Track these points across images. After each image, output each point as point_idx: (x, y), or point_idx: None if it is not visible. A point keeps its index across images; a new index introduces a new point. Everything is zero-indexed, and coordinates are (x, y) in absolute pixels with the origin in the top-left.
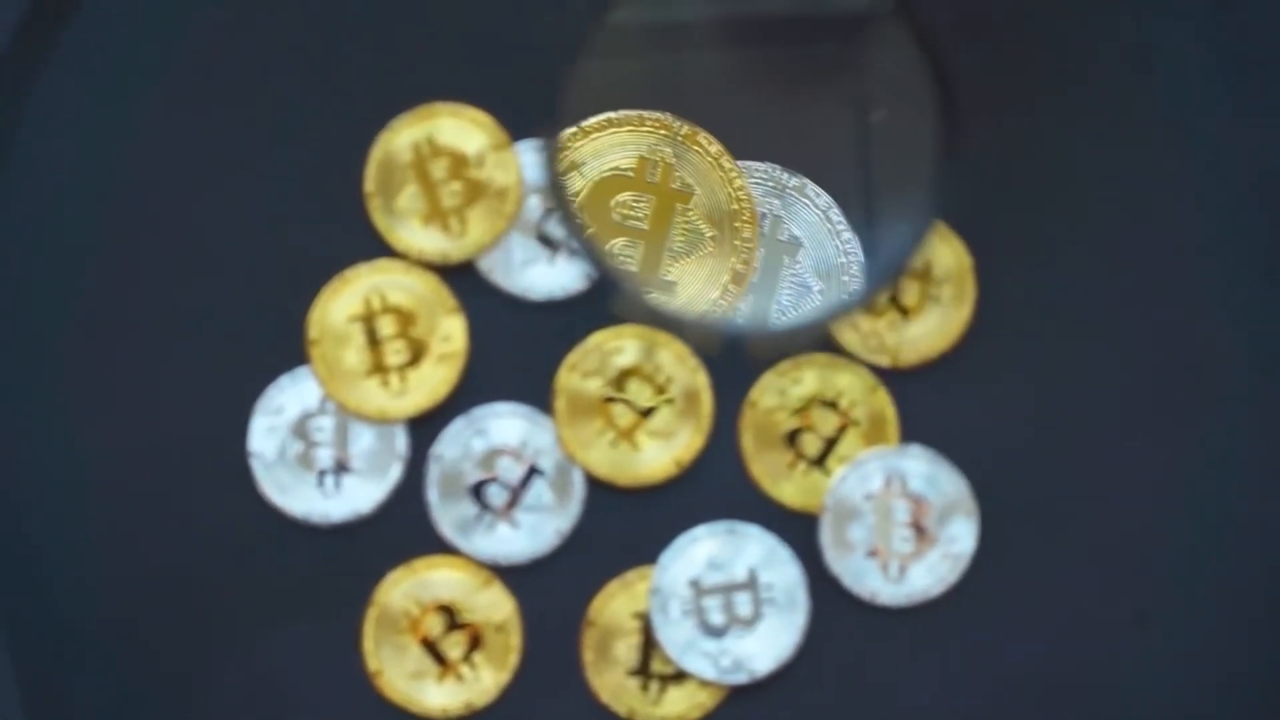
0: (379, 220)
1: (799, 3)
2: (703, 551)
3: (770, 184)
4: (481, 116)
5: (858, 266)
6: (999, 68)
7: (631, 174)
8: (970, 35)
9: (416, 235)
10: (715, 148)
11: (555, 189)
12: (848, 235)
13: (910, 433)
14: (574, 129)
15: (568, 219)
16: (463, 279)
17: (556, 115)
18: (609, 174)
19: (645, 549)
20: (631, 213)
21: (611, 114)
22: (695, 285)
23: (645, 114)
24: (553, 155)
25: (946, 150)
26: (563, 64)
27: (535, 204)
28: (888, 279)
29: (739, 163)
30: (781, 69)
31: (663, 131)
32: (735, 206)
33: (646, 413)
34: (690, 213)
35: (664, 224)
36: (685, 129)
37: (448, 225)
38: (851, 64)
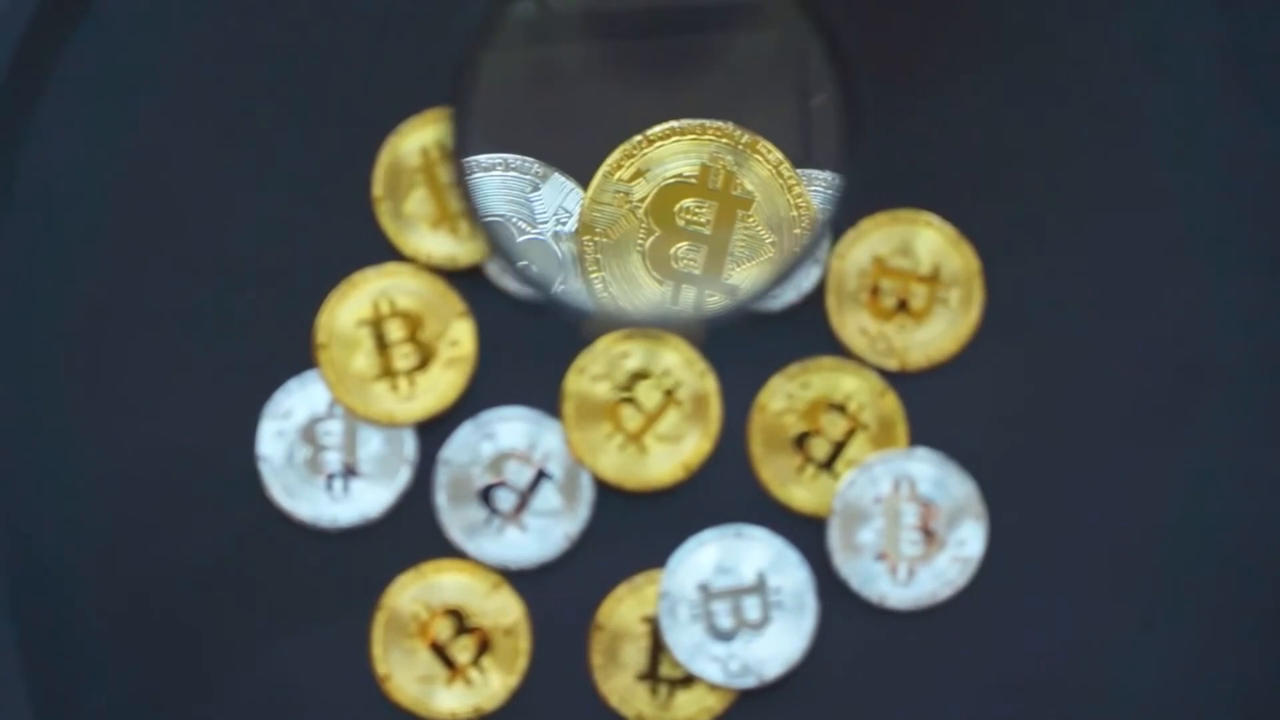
0: (387, 224)
1: None
2: (711, 555)
3: (829, 191)
4: None
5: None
6: (1001, 71)
7: (694, 181)
8: (970, 38)
9: (425, 239)
10: (774, 156)
11: (459, 184)
12: None
13: (918, 436)
14: (638, 138)
15: (471, 214)
16: (471, 283)
17: (460, 107)
18: (673, 180)
19: (653, 553)
20: (694, 218)
21: (674, 123)
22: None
23: (707, 122)
24: (459, 148)
25: (849, 136)
26: (467, 51)
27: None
28: (795, 262)
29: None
30: (720, 55)
31: (724, 140)
32: (794, 214)
33: (664, 397)
34: (751, 219)
35: (726, 229)
36: (746, 138)
37: (456, 229)
38: (792, 49)
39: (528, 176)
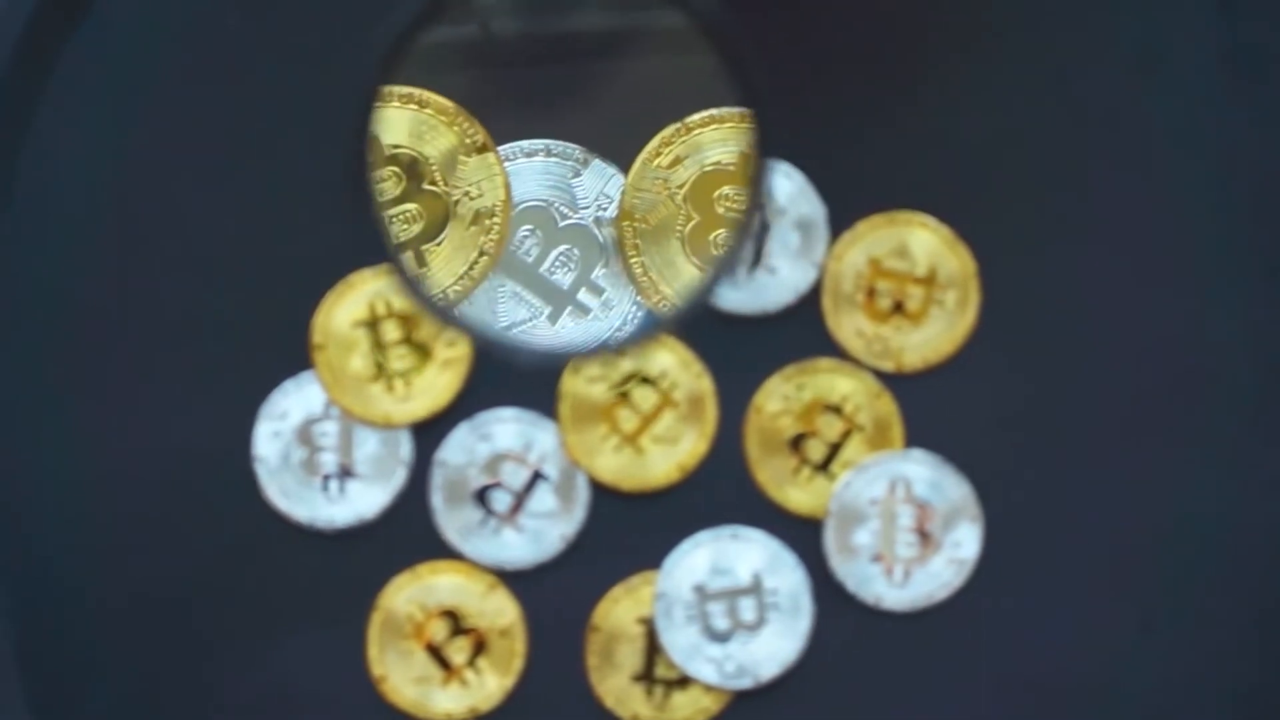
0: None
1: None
2: (707, 556)
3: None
4: None
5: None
6: (998, 72)
7: (733, 168)
8: (966, 38)
9: None
10: None
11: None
12: None
13: (914, 438)
14: (677, 125)
15: (383, 248)
16: None
17: (363, 149)
18: (712, 168)
19: (649, 554)
20: (734, 205)
21: (714, 110)
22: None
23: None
24: (361, 173)
25: (757, 165)
26: (371, 85)
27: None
28: (706, 290)
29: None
30: (666, 78)
31: None
32: None
33: (660, 397)
34: None
35: None
36: None
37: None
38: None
39: (569, 162)
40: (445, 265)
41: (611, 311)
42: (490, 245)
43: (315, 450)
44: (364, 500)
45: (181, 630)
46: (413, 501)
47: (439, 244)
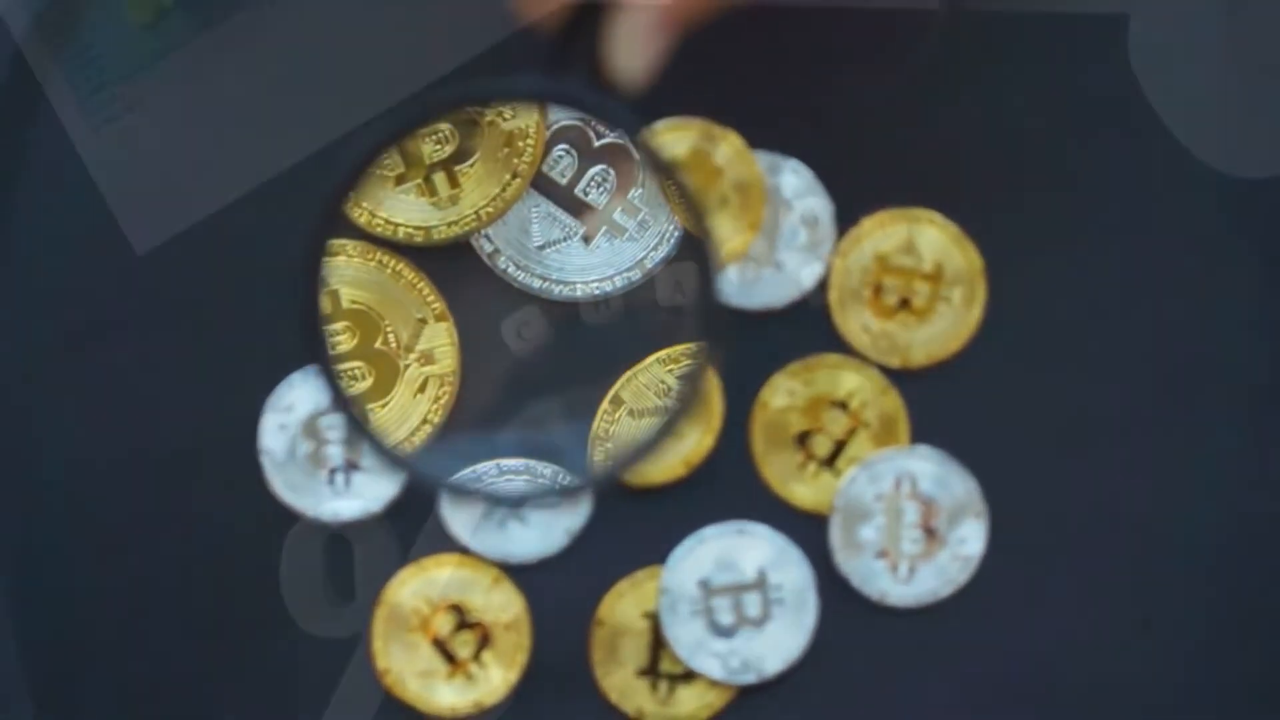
0: None
1: None
2: (712, 552)
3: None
4: None
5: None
6: (1003, 69)
7: None
8: (972, 37)
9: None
10: None
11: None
12: None
13: (920, 434)
14: None
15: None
16: None
17: (316, 269)
18: None
19: (655, 549)
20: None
21: None
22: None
23: None
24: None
25: (687, 208)
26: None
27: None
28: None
29: None
30: None
31: None
32: None
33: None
34: None
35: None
36: None
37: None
38: None
39: None
40: (478, 188)
41: (647, 231)
42: (523, 167)
43: (321, 443)
44: (370, 493)
45: (186, 623)
46: (418, 495)
47: (471, 166)
